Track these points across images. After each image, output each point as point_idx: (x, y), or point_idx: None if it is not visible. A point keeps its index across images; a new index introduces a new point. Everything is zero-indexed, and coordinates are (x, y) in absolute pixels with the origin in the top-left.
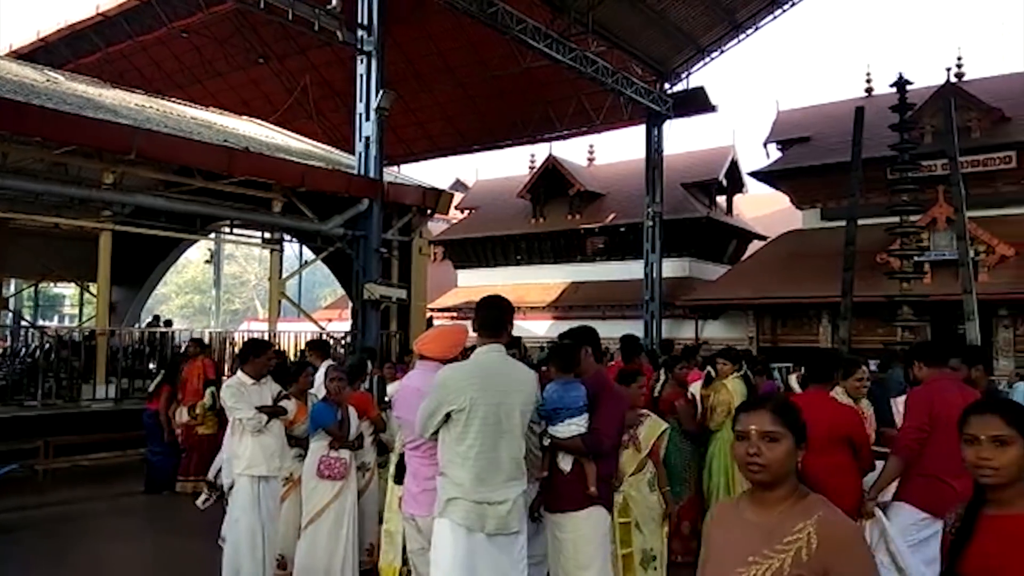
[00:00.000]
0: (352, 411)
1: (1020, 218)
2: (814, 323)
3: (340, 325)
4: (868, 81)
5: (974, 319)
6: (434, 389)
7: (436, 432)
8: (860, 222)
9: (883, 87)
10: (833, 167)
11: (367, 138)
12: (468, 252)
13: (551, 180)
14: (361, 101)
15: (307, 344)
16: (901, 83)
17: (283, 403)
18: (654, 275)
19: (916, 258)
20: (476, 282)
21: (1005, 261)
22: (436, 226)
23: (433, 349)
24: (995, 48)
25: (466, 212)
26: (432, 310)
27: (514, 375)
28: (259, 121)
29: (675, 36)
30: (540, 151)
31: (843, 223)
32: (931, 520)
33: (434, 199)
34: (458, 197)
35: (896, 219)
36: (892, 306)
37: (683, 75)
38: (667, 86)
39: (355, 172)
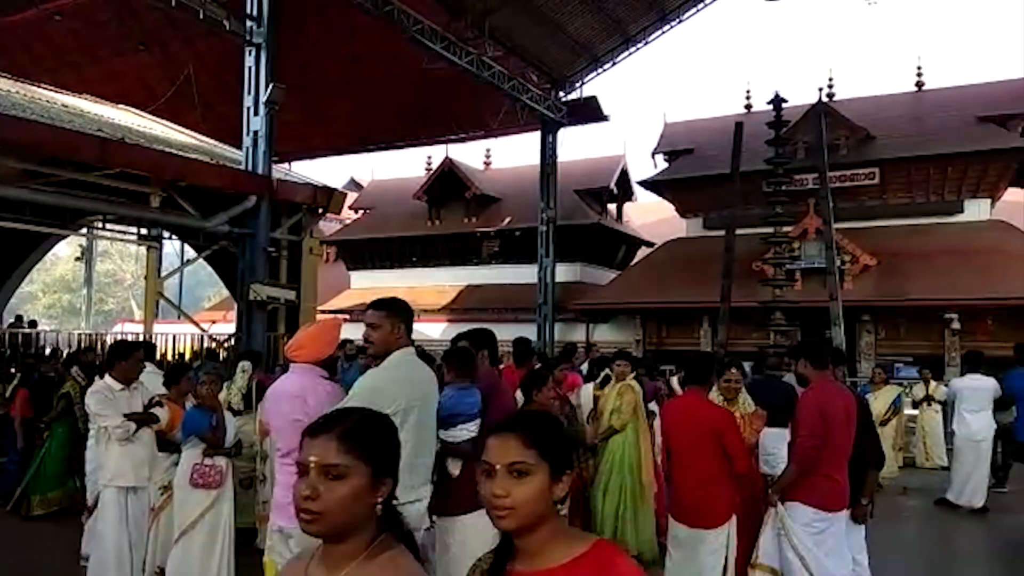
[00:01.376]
0: (229, 416)
1: (882, 230)
2: (695, 327)
3: (224, 327)
4: (748, 98)
5: (839, 324)
6: (363, 394)
7: None
8: (738, 231)
9: (762, 104)
10: (715, 178)
11: (255, 133)
12: (362, 253)
13: (448, 182)
14: (249, 94)
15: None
16: (777, 101)
17: (155, 410)
18: (547, 279)
19: (788, 266)
20: (370, 284)
21: (868, 270)
22: (329, 226)
23: (307, 353)
24: (863, 70)
25: (360, 212)
26: (323, 312)
27: (428, 378)
28: (138, 111)
29: (570, 46)
30: (437, 153)
31: (723, 232)
32: (825, 514)
33: (326, 198)
34: (352, 197)
35: (771, 229)
36: (766, 311)
37: (577, 84)
38: (562, 94)
39: (242, 167)
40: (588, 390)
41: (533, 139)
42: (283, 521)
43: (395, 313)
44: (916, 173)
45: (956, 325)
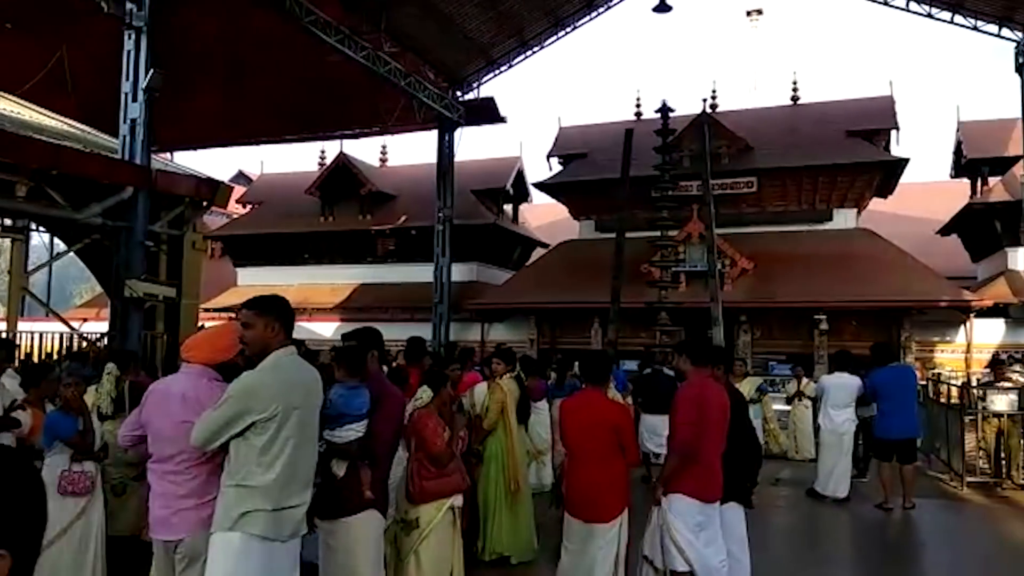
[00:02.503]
0: (95, 419)
1: (758, 236)
2: (587, 327)
3: (97, 325)
4: (638, 105)
5: (719, 324)
6: (237, 396)
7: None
8: (628, 235)
9: (651, 112)
10: (607, 182)
11: (133, 120)
12: (250, 249)
13: (342, 178)
14: (128, 80)
15: None
16: (664, 110)
17: (16, 413)
18: (443, 278)
19: (673, 269)
20: (259, 281)
21: (745, 274)
22: (215, 220)
23: (201, 355)
24: (744, 84)
25: (249, 207)
26: (208, 310)
27: (310, 378)
28: (5, 94)
29: (467, 46)
30: (331, 148)
31: (614, 235)
32: (704, 505)
33: (211, 190)
34: (241, 190)
35: (658, 233)
36: (652, 312)
37: (475, 84)
38: (459, 94)
39: (118, 156)
40: (482, 389)
41: (430, 137)
42: (165, 534)
43: (269, 311)
44: (790, 183)
45: (824, 326)
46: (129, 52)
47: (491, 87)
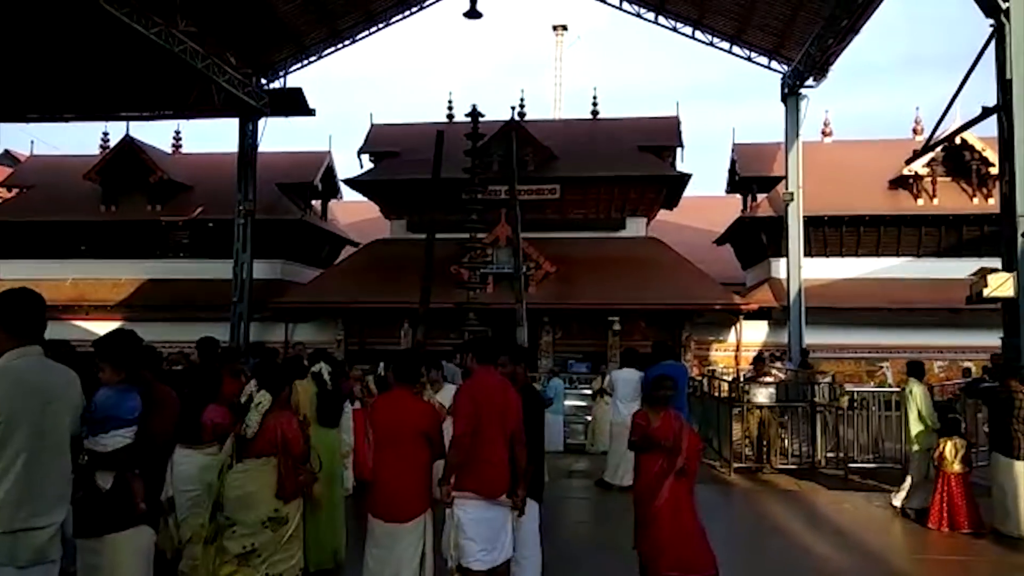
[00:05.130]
0: None
1: (561, 241)
2: (396, 327)
3: None
4: (450, 108)
5: (524, 324)
6: None
7: None
8: (438, 236)
9: (463, 115)
10: (418, 183)
11: None
12: (15, 239)
13: (127, 164)
14: None
15: None
16: (474, 114)
17: None
18: (244, 276)
19: (481, 271)
20: (24, 275)
21: (548, 276)
22: None
23: None
24: (550, 95)
25: (15, 191)
26: None
27: (59, 380)
28: None
29: (275, 31)
30: (116, 130)
31: (425, 235)
32: (487, 501)
33: None
34: (5, 172)
35: (467, 235)
36: (461, 312)
37: (282, 73)
38: (264, 82)
39: None
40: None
41: (231, 125)
42: None
43: None
44: (589, 192)
45: (617, 327)
46: None
47: (300, 79)
